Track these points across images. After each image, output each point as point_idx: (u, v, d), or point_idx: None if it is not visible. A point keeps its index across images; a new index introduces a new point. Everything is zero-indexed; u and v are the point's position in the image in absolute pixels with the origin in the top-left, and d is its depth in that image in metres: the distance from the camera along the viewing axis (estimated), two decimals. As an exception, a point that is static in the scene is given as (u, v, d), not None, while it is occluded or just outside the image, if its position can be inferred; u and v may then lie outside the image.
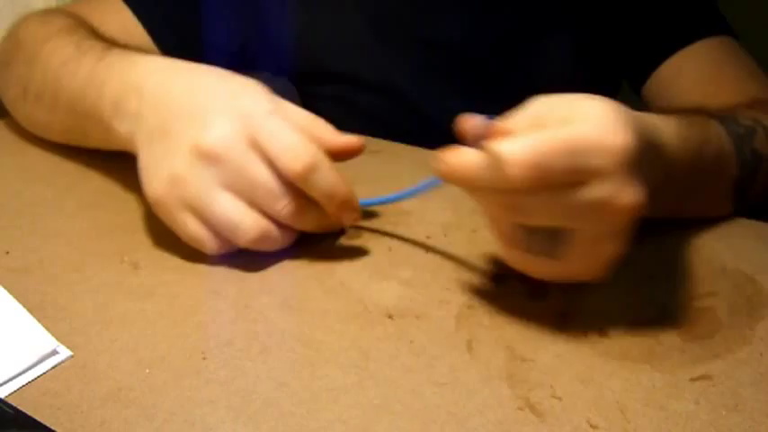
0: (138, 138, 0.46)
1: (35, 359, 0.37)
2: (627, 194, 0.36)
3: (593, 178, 0.35)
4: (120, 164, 0.58)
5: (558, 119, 0.37)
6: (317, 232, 0.47)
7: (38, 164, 0.60)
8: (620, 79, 0.78)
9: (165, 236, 0.48)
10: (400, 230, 0.51)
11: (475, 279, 0.45)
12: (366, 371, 0.37)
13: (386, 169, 0.60)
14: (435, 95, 0.73)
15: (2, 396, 0.35)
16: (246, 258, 0.46)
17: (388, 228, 0.51)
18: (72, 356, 0.38)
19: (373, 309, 0.42)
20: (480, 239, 0.50)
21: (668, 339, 0.40)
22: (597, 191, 0.35)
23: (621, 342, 0.40)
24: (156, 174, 0.44)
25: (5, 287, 0.43)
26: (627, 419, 0.35)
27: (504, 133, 0.37)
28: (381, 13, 0.72)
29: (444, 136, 0.68)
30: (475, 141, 0.39)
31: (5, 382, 0.36)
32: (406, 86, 0.73)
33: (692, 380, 0.37)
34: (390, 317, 0.42)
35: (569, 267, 0.39)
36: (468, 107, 0.73)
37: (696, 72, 0.66)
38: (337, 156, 0.46)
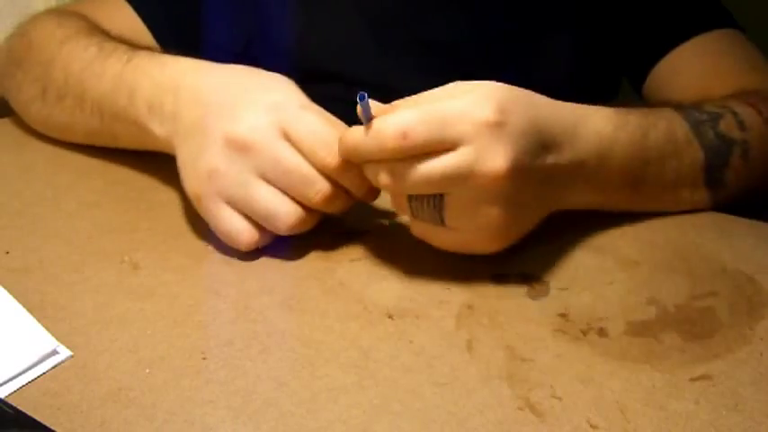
0: (176, 137, 0.47)
1: (35, 359, 0.37)
2: (490, 160, 0.39)
3: (457, 146, 0.39)
4: (120, 164, 0.58)
5: (437, 97, 0.42)
6: (338, 214, 0.48)
7: (38, 163, 0.60)
8: (620, 78, 0.78)
9: (165, 236, 0.48)
10: (400, 230, 0.51)
11: (475, 279, 0.45)
12: (366, 371, 0.37)
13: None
14: None
15: (2, 396, 0.35)
16: (246, 258, 0.46)
17: (389, 228, 0.51)
18: (72, 356, 0.38)
19: (373, 309, 0.42)
20: (480, 239, 0.50)
21: (668, 339, 0.40)
22: (460, 156, 0.39)
23: (621, 342, 0.40)
24: (195, 170, 0.45)
25: (5, 287, 0.43)
26: (627, 419, 0.35)
27: (386, 110, 0.42)
28: (380, 14, 0.72)
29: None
30: (366, 121, 0.42)
31: (5, 382, 0.36)
32: (405, 87, 0.73)
33: (692, 380, 0.37)
34: (390, 317, 0.42)
35: (460, 236, 0.44)
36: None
37: (694, 67, 0.65)
38: None
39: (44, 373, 0.37)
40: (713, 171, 0.51)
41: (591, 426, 0.34)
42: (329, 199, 0.45)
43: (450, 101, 0.41)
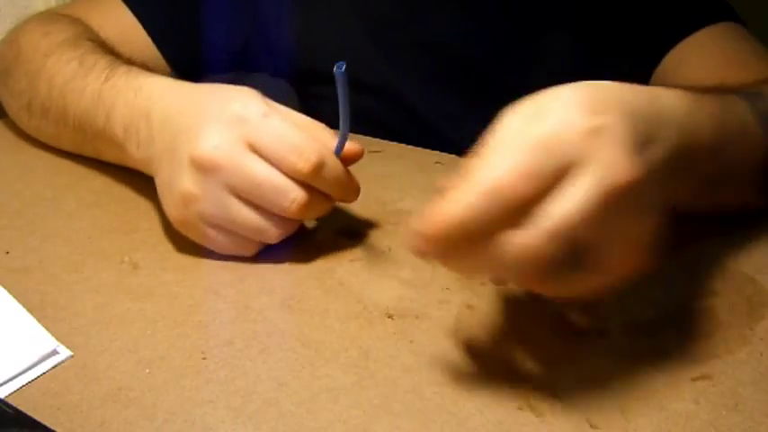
0: (153, 163, 0.47)
1: (35, 359, 0.37)
2: (615, 167, 0.32)
3: (572, 168, 0.32)
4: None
5: (515, 128, 0.35)
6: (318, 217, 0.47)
7: (38, 164, 0.60)
8: (623, 79, 0.77)
9: (165, 236, 0.48)
10: (400, 230, 0.51)
11: (475, 279, 0.45)
12: (366, 371, 0.37)
13: (386, 169, 0.60)
14: (432, 98, 0.73)
15: (2, 396, 0.35)
16: (246, 258, 0.46)
17: (389, 228, 0.51)
18: (72, 356, 0.38)
19: (373, 309, 0.42)
20: (480, 239, 0.50)
21: (668, 339, 0.40)
22: (584, 178, 0.31)
23: (621, 342, 0.40)
24: (171, 196, 0.44)
25: (5, 287, 0.43)
26: (627, 419, 0.35)
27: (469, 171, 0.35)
28: (378, 16, 0.72)
29: (441, 138, 0.68)
30: (343, 95, 0.40)
31: (5, 382, 0.36)
32: (404, 89, 0.73)
33: (693, 380, 0.37)
34: (390, 317, 0.42)
35: (604, 272, 0.34)
36: (465, 110, 0.74)
37: (700, 61, 0.65)
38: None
39: (44, 373, 0.37)
40: None
41: (591, 426, 0.34)
42: (306, 206, 0.43)
43: (535, 125, 0.33)
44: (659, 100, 0.38)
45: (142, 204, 0.53)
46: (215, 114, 0.43)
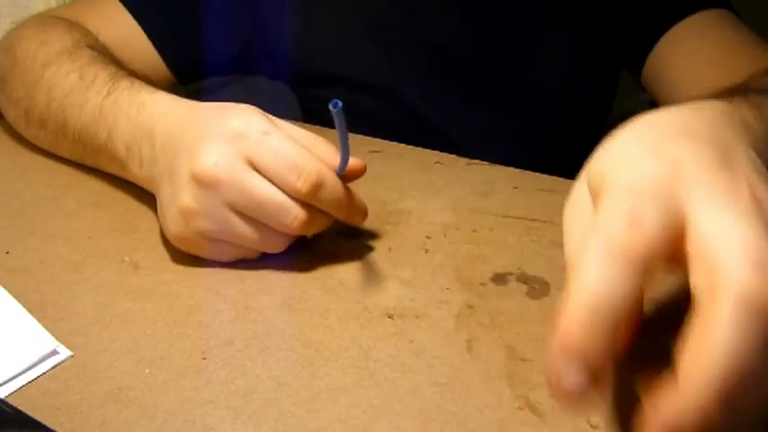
0: (154, 181, 0.47)
1: (35, 359, 0.37)
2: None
3: (693, 211, 0.26)
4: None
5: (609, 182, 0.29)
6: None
7: (38, 164, 0.60)
8: (619, 71, 0.77)
9: (165, 236, 0.48)
10: (400, 230, 0.51)
11: (475, 279, 0.45)
12: (366, 371, 0.37)
13: (386, 169, 0.60)
14: (433, 98, 0.73)
15: (2, 396, 0.35)
16: (246, 258, 0.46)
17: (388, 228, 0.51)
18: (72, 356, 0.38)
19: (373, 309, 0.42)
20: (480, 239, 0.50)
21: (668, 340, 0.40)
22: (712, 224, 0.26)
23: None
24: (169, 213, 0.44)
25: (5, 287, 0.43)
26: (627, 419, 0.35)
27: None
28: (378, 16, 0.72)
29: (441, 138, 0.68)
30: (341, 131, 0.38)
31: (5, 382, 0.36)
32: (404, 89, 0.73)
33: (692, 380, 0.37)
34: (390, 317, 0.42)
35: None
36: (465, 109, 0.74)
37: (694, 45, 0.65)
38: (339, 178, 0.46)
39: (44, 373, 0.37)
40: None
41: (591, 426, 0.34)
42: (308, 223, 0.43)
43: (635, 170, 0.28)
44: (719, 110, 0.34)
45: (142, 204, 0.53)
46: (215, 131, 0.43)
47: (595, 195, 0.29)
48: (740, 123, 0.34)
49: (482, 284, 0.45)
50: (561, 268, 0.47)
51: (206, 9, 0.71)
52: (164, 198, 0.45)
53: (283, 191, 0.42)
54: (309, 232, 0.45)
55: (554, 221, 0.52)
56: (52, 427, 0.33)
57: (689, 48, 0.65)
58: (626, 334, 0.26)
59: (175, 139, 0.45)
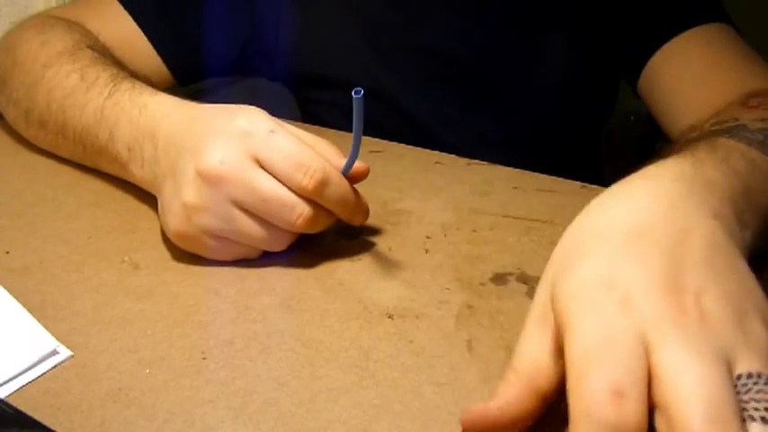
0: (156, 182, 0.47)
1: (35, 359, 0.37)
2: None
3: (652, 352, 0.27)
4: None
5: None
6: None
7: (38, 164, 0.60)
8: (618, 79, 0.77)
9: (164, 236, 0.48)
10: (400, 230, 0.51)
11: (475, 279, 0.45)
12: (366, 371, 0.37)
13: (386, 169, 0.60)
14: (430, 102, 0.73)
15: (2, 396, 0.35)
16: (246, 258, 0.46)
17: (388, 228, 0.51)
18: (72, 356, 0.38)
19: (373, 309, 0.42)
20: (480, 239, 0.50)
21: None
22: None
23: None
24: (171, 210, 0.44)
25: (5, 287, 0.43)
26: None
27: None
28: (375, 21, 0.72)
29: (439, 142, 0.68)
30: (358, 120, 0.39)
31: (5, 382, 0.36)
32: (401, 93, 0.73)
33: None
34: (390, 317, 0.42)
35: None
36: (462, 114, 0.74)
37: (686, 61, 0.65)
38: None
39: (44, 373, 0.37)
40: None
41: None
42: (312, 221, 0.43)
43: (594, 316, 0.29)
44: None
45: (142, 204, 0.53)
46: (221, 129, 0.43)
47: (558, 326, 0.30)
48: (702, 188, 0.34)
49: (482, 284, 0.45)
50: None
51: (205, 11, 0.71)
52: (166, 196, 0.45)
53: (289, 188, 0.42)
54: (313, 230, 0.45)
55: (554, 221, 0.52)
56: (52, 427, 0.33)
57: (678, 65, 0.65)
58: None
59: (178, 139, 0.45)
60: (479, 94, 0.72)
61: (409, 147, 0.65)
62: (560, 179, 0.58)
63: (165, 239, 0.48)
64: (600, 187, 0.57)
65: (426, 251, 0.48)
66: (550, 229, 0.51)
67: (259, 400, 0.35)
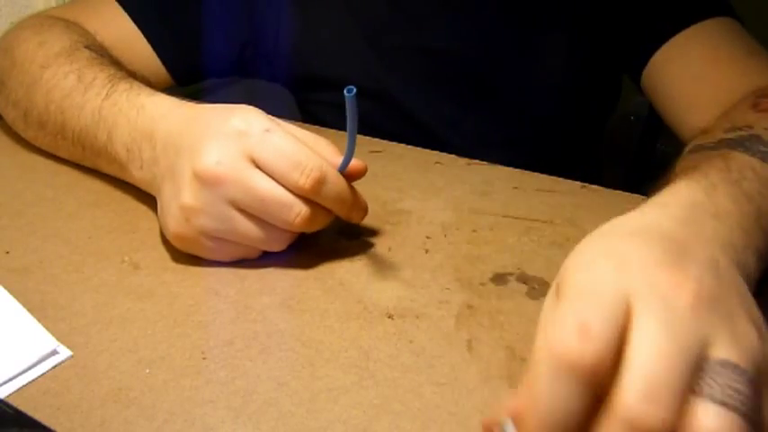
0: (155, 183, 0.47)
1: (35, 359, 0.37)
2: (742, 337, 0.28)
3: (634, 315, 0.27)
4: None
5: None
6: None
7: (38, 164, 0.60)
8: (620, 75, 0.77)
9: (165, 236, 0.48)
10: (400, 230, 0.51)
11: (475, 279, 0.45)
12: (366, 371, 0.38)
13: (386, 169, 0.60)
14: (430, 102, 0.73)
15: (2, 396, 0.35)
16: (246, 258, 0.46)
17: (388, 228, 0.51)
18: (72, 356, 0.38)
19: (373, 309, 0.42)
20: (480, 239, 0.50)
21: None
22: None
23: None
24: (170, 212, 0.44)
25: (5, 287, 0.43)
26: None
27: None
28: (375, 21, 0.72)
29: (439, 142, 0.68)
30: (352, 119, 0.39)
31: (5, 382, 0.36)
32: (401, 94, 0.73)
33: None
34: (390, 317, 0.42)
35: None
36: (462, 113, 0.74)
37: (689, 58, 0.64)
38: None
39: (44, 373, 0.37)
40: None
41: (591, 426, 0.34)
42: (310, 220, 0.43)
43: (586, 272, 0.29)
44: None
45: (142, 204, 0.53)
46: (217, 130, 0.43)
47: (558, 297, 0.30)
48: (711, 216, 0.34)
49: (482, 284, 0.45)
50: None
51: (204, 11, 0.71)
52: (164, 198, 0.45)
53: (286, 187, 0.42)
54: (311, 229, 0.45)
55: (554, 221, 0.52)
56: (52, 427, 0.33)
57: (680, 63, 0.65)
58: None
59: (176, 139, 0.45)
60: (479, 94, 0.72)
61: (409, 147, 0.65)
62: (560, 179, 0.58)
63: (165, 240, 0.48)
64: (600, 187, 0.57)
65: (426, 251, 0.48)
66: (550, 229, 0.51)
67: (259, 400, 0.35)
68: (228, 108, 0.45)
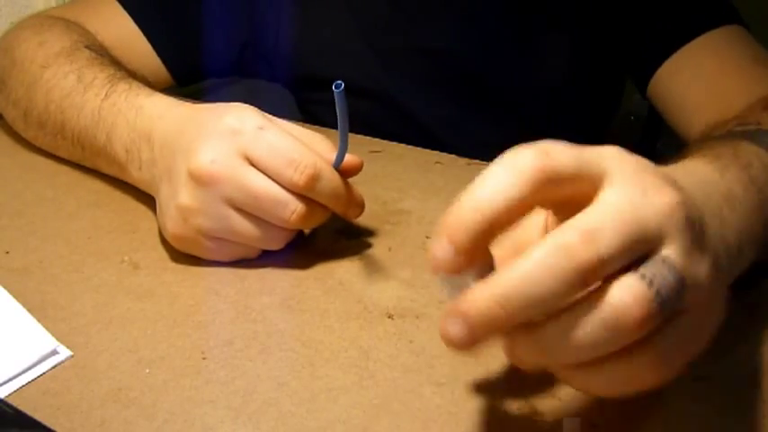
0: (154, 184, 0.47)
1: (35, 359, 0.37)
2: (697, 253, 0.28)
3: (659, 246, 0.27)
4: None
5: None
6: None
7: (38, 164, 0.60)
8: (623, 81, 0.77)
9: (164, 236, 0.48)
10: (400, 230, 0.51)
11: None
12: (366, 371, 0.38)
13: (386, 169, 0.60)
14: (429, 103, 0.73)
15: (2, 396, 0.35)
16: (246, 258, 0.46)
17: (388, 228, 0.51)
18: (72, 356, 0.38)
19: (373, 309, 0.42)
20: (480, 239, 0.50)
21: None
22: (671, 257, 0.27)
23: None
24: (168, 213, 0.44)
25: (5, 287, 0.43)
26: (627, 419, 0.35)
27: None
28: (375, 21, 0.72)
29: (439, 143, 0.68)
30: (342, 113, 0.39)
31: (5, 382, 0.36)
32: (401, 94, 0.73)
33: (693, 380, 0.37)
34: (390, 317, 0.42)
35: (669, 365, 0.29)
36: (462, 114, 0.74)
37: (699, 68, 0.64)
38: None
39: (44, 373, 0.37)
40: None
41: (591, 425, 0.34)
42: (306, 217, 0.43)
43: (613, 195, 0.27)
44: (692, 177, 0.34)
45: (142, 204, 0.53)
46: (211, 129, 0.43)
47: None
48: (722, 197, 0.35)
49: (482, 284, 0.45)
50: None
51: (204, 11, 0.71)
52: (162, 199, 0.45)
53: (281, 185, 0.42)
54: (308, 226, 0.45)
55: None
56: (52, 427, 0.33)
57: (690, 73, 0.64)
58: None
59: (173, 140, 0.45)
60: (479, 95, 0.72)
61: (409, 147, 0.65)
62: (560, 179, 0.58)
63: (165, 240, 0.47)
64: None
65: (426, 251, 0.48)
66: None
67: (259, 400, 0.35)
68: (223, 107, 0.45)
